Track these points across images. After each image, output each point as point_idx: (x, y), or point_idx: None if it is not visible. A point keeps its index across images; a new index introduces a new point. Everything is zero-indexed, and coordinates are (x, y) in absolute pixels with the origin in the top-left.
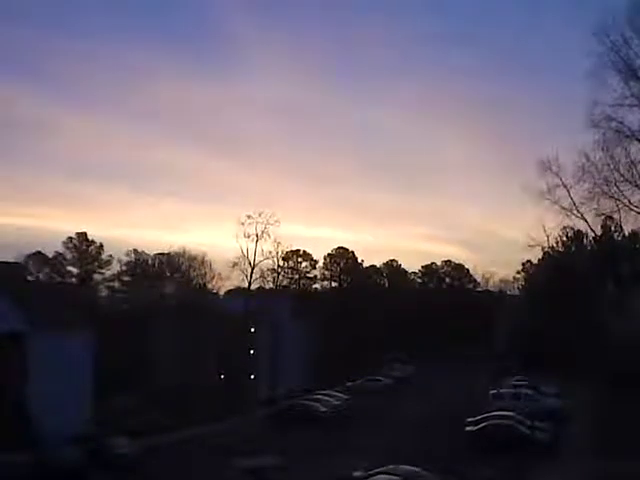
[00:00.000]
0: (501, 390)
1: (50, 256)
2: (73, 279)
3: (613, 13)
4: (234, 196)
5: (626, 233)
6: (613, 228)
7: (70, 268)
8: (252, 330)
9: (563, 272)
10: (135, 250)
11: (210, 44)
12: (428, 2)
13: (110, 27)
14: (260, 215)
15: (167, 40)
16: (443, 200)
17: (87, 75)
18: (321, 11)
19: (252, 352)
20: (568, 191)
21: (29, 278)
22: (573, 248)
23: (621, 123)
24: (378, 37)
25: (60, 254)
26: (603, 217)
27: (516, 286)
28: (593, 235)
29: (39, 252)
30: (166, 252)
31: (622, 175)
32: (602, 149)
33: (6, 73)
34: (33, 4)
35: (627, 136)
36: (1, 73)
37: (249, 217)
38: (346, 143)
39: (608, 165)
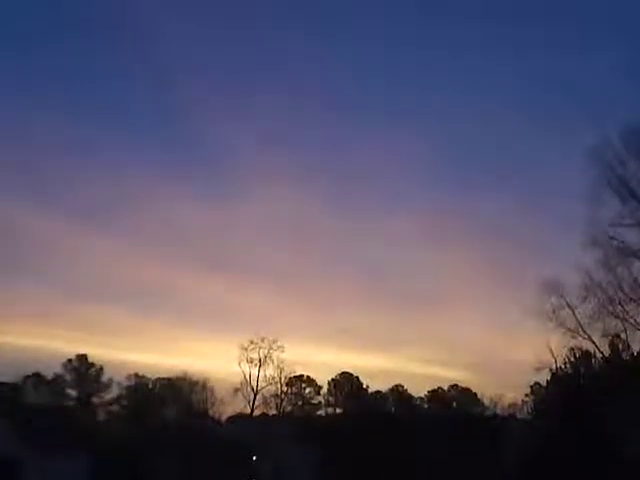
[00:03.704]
0: None
1: (49, 378)
2: (72, 402)
3: (608, 134)
4: (236, 319)
5: (634, 352)
6: (621, 347)
7: (69, 391)
8: (254, 458)
9: (572, 394)
10: (136, 374)
11: (207, 164)
12: (423, 130)
13: (106, 145)
14: (263, 340)
15: (163, 161)
16: (447, 323)
17: (86, 196)
18: (321, 132)
19: None
20: (573, 312)
21: (27, 400)
22: (582, 369)
23: (622, 242)
24: (376, 161)
25: (59, 376)
26: (610, 337)
27: (525, 409)
28: (601, 355)
29: (38, 373)
30: (167, 377)
31: (626, 294)
32: (604, 268)
33: (8, 191)
34: (32, 122)
35: (628, 255)
36: (4, 191)
37: (252, 342)
38: (348, 265)
39: (612, 284)
